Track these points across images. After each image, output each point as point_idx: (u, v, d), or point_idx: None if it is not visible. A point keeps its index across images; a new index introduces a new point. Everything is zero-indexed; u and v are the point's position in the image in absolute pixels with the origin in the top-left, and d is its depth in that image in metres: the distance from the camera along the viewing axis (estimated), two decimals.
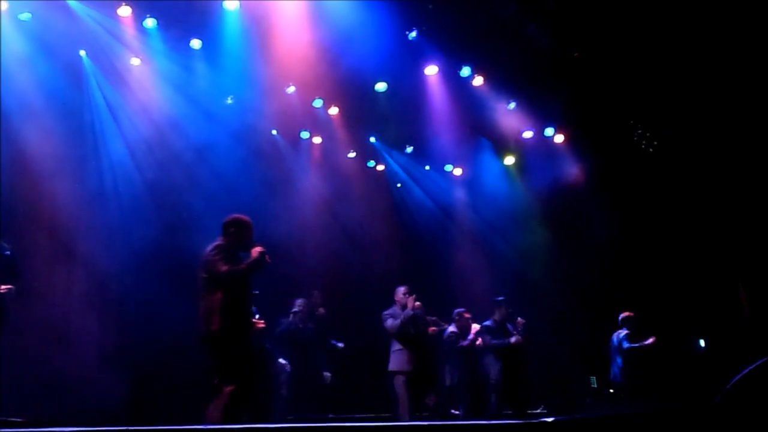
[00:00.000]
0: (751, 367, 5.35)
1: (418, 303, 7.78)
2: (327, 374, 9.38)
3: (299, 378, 9.10)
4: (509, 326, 9.01)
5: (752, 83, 8.65)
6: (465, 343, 8.92)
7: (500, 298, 9.11)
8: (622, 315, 9.32)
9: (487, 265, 11.99)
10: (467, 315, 9.11)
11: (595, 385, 10.12)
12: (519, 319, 9.11)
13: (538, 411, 9.08)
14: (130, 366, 8.50)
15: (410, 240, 12.34)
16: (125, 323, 8.68)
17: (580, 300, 10.69)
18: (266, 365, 8.16)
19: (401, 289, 7.93)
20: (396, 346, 7.77)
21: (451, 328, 9.00)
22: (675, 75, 9.30)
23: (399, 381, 7.63)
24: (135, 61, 9.15)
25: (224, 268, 5.51)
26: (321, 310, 9.67)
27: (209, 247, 5.65)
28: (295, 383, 9.03)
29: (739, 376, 5.36)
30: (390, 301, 7.99)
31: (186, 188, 9.43)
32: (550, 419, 4.20)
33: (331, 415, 9.18)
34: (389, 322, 7.77)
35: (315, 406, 9.20)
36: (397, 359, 7.71)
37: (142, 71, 9.27)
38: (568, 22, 9.10)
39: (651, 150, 10.59)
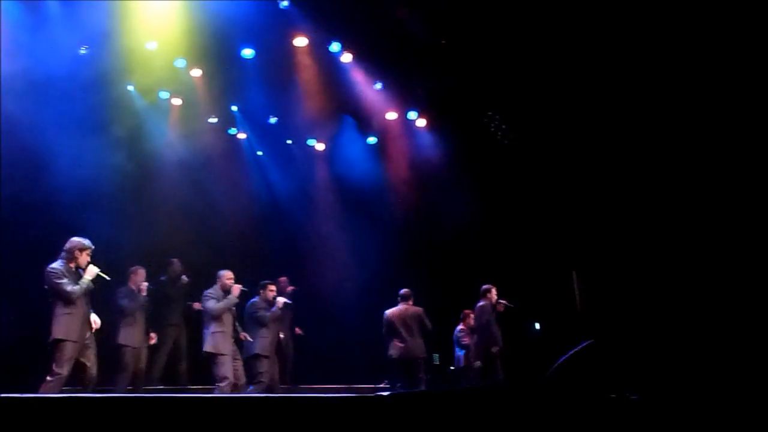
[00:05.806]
0: (574, 350, 5.81)
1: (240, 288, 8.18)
2: None
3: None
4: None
5: (612, 82, 9.07)
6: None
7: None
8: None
9: (345, 240, 12.07)
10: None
11: (438, 363, 10.50)
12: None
13: (381, 386, 9.32)
14: None
15: (269, 212, 12.21)
16: None
17: (431, 281, 10.99)
18: None
19: (226, 273, 8.18)
20: (214, 327, 7.93)
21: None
22: (538, 72, 9.68)
23: (220, 361, 7.82)
24: None
25: None
26: (184, 278, 9.51)
27: None
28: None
29: (564, 358, 5.80)
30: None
31: (26, 133, 8.67)
32: (386, 393, 4.34)
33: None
34: (211, 304, 7.98)
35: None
36: (214, 340, 7.90)
37: None
38: (439, 10, 9.26)
39: (505, 142, 11.07)
